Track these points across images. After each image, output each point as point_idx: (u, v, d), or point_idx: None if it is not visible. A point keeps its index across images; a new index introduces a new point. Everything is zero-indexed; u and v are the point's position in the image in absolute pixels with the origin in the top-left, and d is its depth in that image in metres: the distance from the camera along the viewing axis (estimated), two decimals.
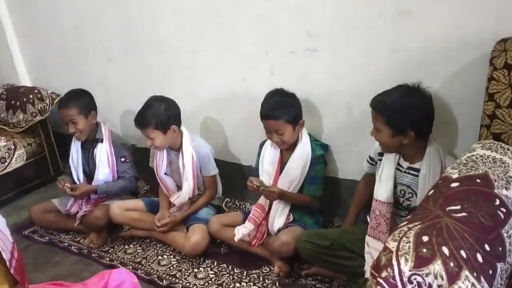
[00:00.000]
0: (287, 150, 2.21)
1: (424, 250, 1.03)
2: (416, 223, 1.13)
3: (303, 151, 2.17)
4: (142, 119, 2.30)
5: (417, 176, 1.78)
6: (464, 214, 1.13)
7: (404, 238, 1.08)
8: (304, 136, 2.19)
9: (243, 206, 2.72)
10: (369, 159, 2.03)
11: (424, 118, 1.73)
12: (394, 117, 1.69)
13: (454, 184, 1.26)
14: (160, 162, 2.47)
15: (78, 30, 3.07)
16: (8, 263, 1.37)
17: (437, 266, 1.00)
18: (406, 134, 1.71)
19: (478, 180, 1.25)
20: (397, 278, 1.00)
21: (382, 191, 1.84)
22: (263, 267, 2.20)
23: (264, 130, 2.18)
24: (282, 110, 2.09)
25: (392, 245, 1.07)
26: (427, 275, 0.99)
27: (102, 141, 2.63)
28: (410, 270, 1.00)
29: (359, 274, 1.79)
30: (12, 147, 3.07)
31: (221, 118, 2.68)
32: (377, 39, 1.98)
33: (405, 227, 1.12)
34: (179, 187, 2.49)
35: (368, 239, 1.88)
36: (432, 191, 1.29)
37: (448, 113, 1.91)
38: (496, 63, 1.58)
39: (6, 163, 3.02)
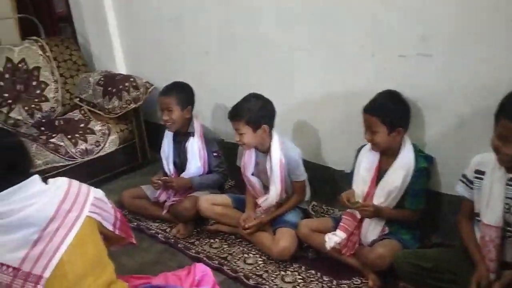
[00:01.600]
0: (387, 157, 2.11)
1: None
2: None
3: (405, 161, 2.05)
4: (236, 112, 2.30)
5: None
6: None
7: None
8: (407, 145, 2.08)
9: (331, 211, 2.64)
10: (464, 180, 1.83)
11: None
12: None
13: None
14: (248, 162, 2.45)
15: (176, 22, 3.11)
16: (112, 227, 1.56)
17: None
18: None
19: None
20: None
21: (491, 212, 1.68)
22: (353, 278, 2.11)
23: (360, 136, 2.11)
24: (380, 109, 2.03)
25: None
26: None
27: (193, 135, 2.65)
28: None
29: None
30: (107, 132, 3.18)
31: (315, 120, 2.61)
32: (502, 46, 1.83)
33: None
34: (266, 188, 2.46)
35: None
36: None
37: None
38: None
39: (100, 147, 3.13)
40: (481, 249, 1.73)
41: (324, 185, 2.59)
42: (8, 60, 3.29)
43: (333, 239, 2.13)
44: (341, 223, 2.17)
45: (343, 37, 2.30)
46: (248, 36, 2.73)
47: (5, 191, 1.37)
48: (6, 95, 3.25)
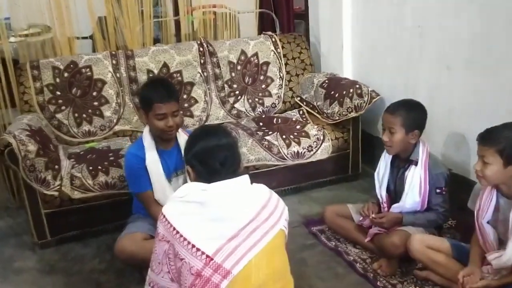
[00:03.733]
0: None
1: None
2: None
3: None
4: (489, 135, 1.85)
5: None
6: None
7: None
8: None
9: None
10: None
11: None
12: None
13: None
14: (485, 206, 1.96)
15: (418, 30, 2.73)
16: None
17: None
18: None
19: None
20: None
21: None
22: None
23: None
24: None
25: None
26: None
27: (416, 164, 2.28)
28: None
29: None
30: (321, 137, 3.01)
31: None
32: None
33: None
34: (501, 242, 1.94)
35: None
36: None
37: None
38: None
39: (312, 152, 2.98)
40: None
41: None
42: (243, 52, 3.39)
43: None
44: None
45: None
46: (509, 56, 2.21)
47: (215, 183, 1.48)
48: (235, 86, 3.36)
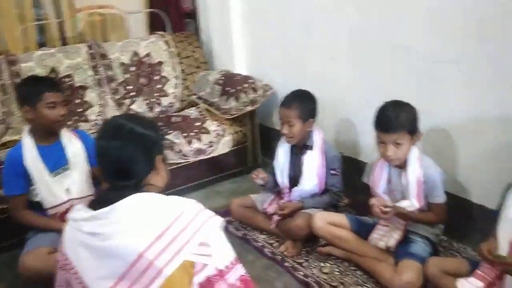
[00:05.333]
0: None
1: None
2: None
3: None
4: (396, 122, 2.00)
5: None
6: None
7: None
8: None
9: (463, 249, 2.29)
10: None
11: None
12: None
13: None
14: (379, 178, 2.19)
15: (305, 24, 2.93)
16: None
17: None
18: None
19: None
20: None
21: None
22: None
23: None
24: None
25: None
26: None
27: (311, 149, 2.46)
28: None
29: None
30: (221, 133, 3.09)
31: (458, 145, 2.26)
32: None
33: None
34: None
35: None
36: None
37: None
38: None
39: (213, 148, 3.05)
40: None
41: (459, 220, 2.24)
42: (135, 53, 3.35)
43: (466, 286, 1.81)
44: (478, 271, 1.83)
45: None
46: (382, 43, 2.47)
47: (106, 209, 1.23)
48: (130, 87, 3.31)
